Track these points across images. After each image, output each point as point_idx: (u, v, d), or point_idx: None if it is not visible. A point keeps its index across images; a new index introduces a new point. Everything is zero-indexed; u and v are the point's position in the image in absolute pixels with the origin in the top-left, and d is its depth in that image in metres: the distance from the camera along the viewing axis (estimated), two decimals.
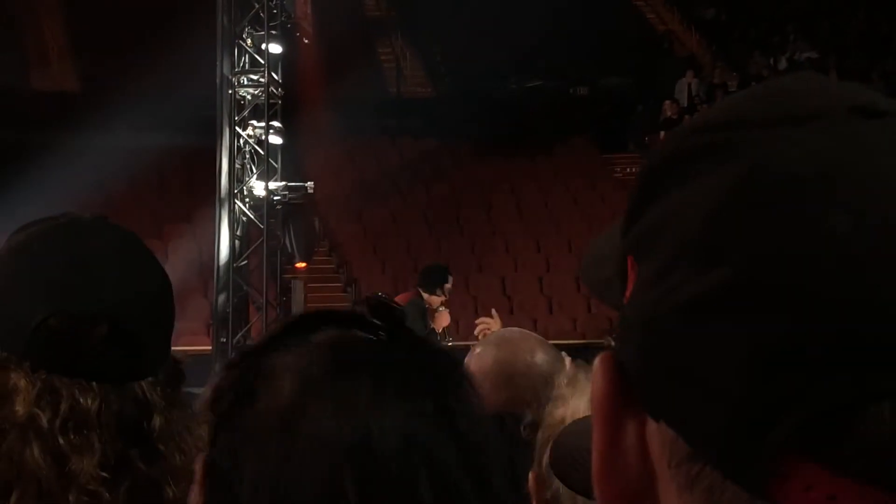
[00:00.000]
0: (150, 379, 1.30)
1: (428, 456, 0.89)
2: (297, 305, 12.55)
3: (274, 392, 0.91)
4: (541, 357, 2.46)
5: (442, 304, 7.65)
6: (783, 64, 21.05)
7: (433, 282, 7.65)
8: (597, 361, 0.55)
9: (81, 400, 1.26)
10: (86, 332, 1.28)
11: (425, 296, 7.56)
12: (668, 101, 19.52)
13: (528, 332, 2.73)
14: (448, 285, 7.69)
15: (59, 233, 1.38)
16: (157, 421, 1.29)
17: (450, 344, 7.59)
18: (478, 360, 2.48)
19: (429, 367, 0.95)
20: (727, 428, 0.47)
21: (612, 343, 0.56)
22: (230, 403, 0.93)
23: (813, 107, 0.52)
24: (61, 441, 1.25)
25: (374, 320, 0.94)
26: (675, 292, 0.50)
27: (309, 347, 0.93)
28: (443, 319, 7.61)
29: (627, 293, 0.55)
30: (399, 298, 7.64)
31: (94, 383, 1.28)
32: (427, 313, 7.50)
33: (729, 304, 0.48)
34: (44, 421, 1.25)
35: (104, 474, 1.22)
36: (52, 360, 1.27)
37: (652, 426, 0.52)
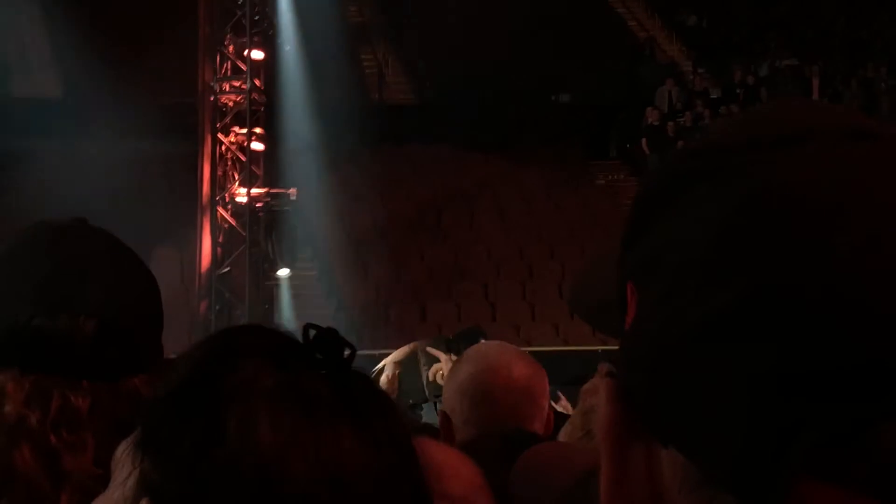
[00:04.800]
0: (143, 376, 1.30)
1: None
2: (280, 313, 12.53)
3: (248, 431, 0.82)
4: (519, 371, 2.36)
5: None
6: (764, 70, 21.13)
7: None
8: (602, 389, 0.56)
9: (72, 398, 1.27)
10: (73, 330, 1.28)
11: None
12: (649, 108, 19.58)
13: (507, 344, 2.61)
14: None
15: (41, 237, 1.38)
16: None
17: None
18: (453, 376, 2.41)
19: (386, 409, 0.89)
20: (741, 453, 0.47)
21: (613, 370, 0.56)
22: (193, 441, 0.82)
23: (806, 129, 0.52)
24: (53, 440, 1.25)
25: (318, 356, 0.87)
26: (682, 315, 0.50)
27: (266, 388, 0.84)
28: None
29: (628, 320, 0.55)
30: None
31: (85, 382, 1.28)
32: None
33: (736, 327, 0.48)
34: (33, 421, 1.25)
35: (100, 472, 1.20)
36: (41, 361, 1.28)
37: (660, 452, 0.53)
